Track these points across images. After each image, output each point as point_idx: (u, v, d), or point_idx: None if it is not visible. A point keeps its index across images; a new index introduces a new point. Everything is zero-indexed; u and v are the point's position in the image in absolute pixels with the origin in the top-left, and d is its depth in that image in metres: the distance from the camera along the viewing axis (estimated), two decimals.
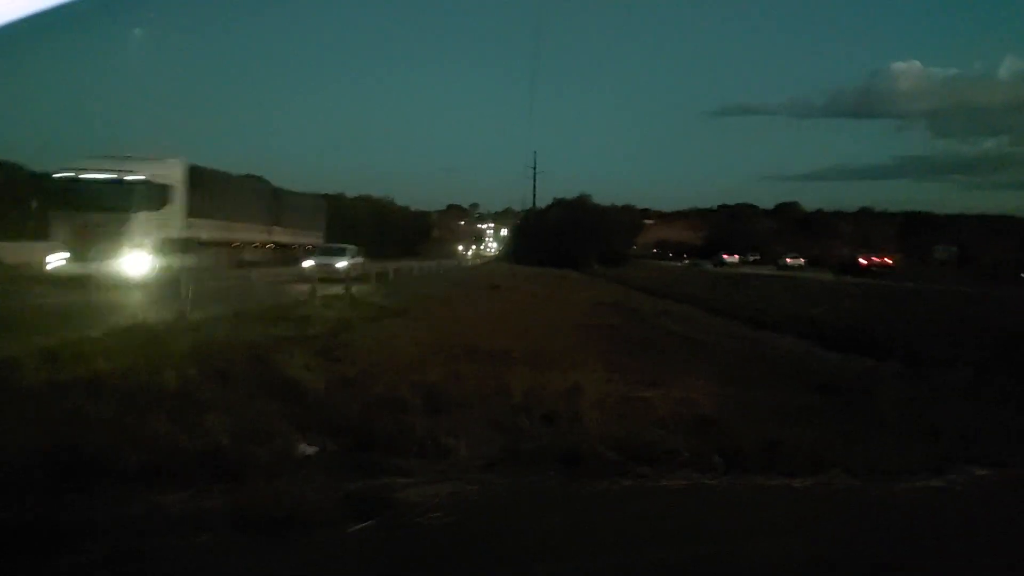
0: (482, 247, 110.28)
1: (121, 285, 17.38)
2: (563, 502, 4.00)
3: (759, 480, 4.41)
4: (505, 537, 3.44)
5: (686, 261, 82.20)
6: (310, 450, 4.51)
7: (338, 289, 17.15)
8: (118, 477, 3.73)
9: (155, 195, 20.95)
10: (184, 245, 22.37)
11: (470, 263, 65.05)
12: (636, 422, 5.55)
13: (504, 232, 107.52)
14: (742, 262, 72.27)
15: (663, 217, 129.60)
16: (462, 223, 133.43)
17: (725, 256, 72.90)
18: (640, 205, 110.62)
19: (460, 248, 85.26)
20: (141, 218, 20.21)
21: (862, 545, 3.35)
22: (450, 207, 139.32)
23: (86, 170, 20.35)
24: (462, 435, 4.88)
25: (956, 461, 4.80)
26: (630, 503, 4.05)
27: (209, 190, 25.59)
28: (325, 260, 25.46)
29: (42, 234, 21.12)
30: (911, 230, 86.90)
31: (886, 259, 54.31)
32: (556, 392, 6.56)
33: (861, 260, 52.59)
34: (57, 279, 17.74)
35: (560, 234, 64.37)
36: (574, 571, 2.92)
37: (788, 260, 64.21)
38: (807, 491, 4.23)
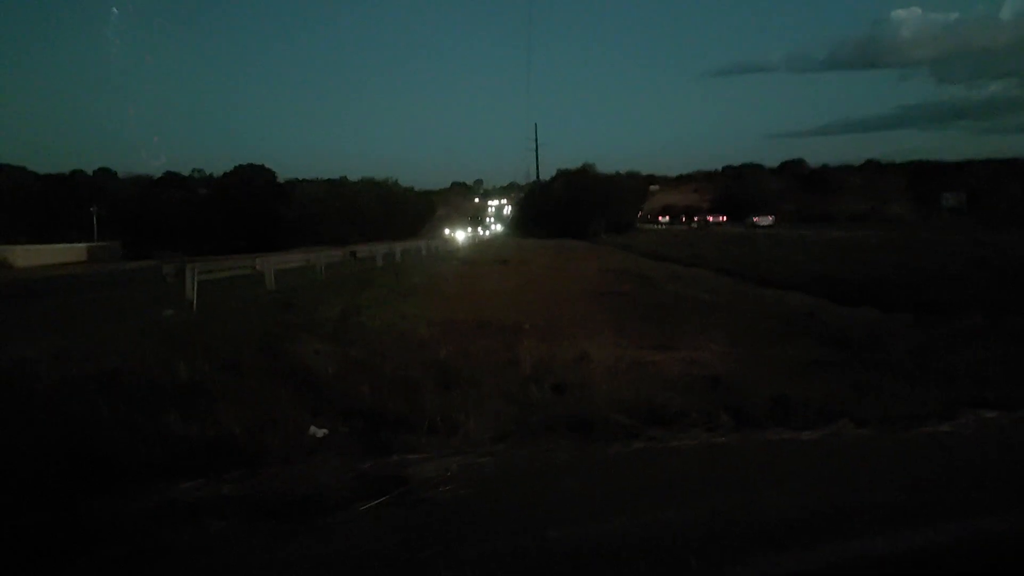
0: (478, 228, 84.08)
1: None
2: (575, 468, 4.01)
3: (768, 436, 4.42)
4: (518, 505, 3.46)
5: (693, 225, 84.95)
6: (320, 433, 4.54)
7: None
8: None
9: None
10: None
11: (459, 247, 48.01)
12: (646, 386, 5.57)
13: (506, 212, 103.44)
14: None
15: (669, 182, 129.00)
16: (477, 200, 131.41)
17: (660, 218, 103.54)
18: (645, 171, 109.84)
19: (447, 231, 64.43)
20: None
21: (873, 492, 3.36)
22: (454, 185, 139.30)
23: None
24: (473, 410, 4.89)
25: (965, 405, 4.79)
26: (641, 465, 4.06)
27: None
28: None
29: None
30: (919, 179, 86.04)
31: (722, 218, 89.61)
32: (566, 361, 6.58)
33: (708, 218, 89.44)
34: None
35: (565, 205, 64.17)
36: (589, 535, 2.93)
37: (708, 219, 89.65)
38: (816, 443, 4.23)
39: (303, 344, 7.47)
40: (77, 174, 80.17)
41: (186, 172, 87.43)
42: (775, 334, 8.30)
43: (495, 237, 70.88)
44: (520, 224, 72.52)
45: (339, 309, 10.93)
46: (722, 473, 3.90)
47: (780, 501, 3.25)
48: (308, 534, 3.07)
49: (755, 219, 73.63)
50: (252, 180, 73.90)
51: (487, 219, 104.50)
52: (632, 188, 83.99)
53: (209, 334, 8.32)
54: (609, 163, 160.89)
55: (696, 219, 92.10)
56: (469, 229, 72.81)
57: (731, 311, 11.07)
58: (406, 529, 3.12)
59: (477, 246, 49.92)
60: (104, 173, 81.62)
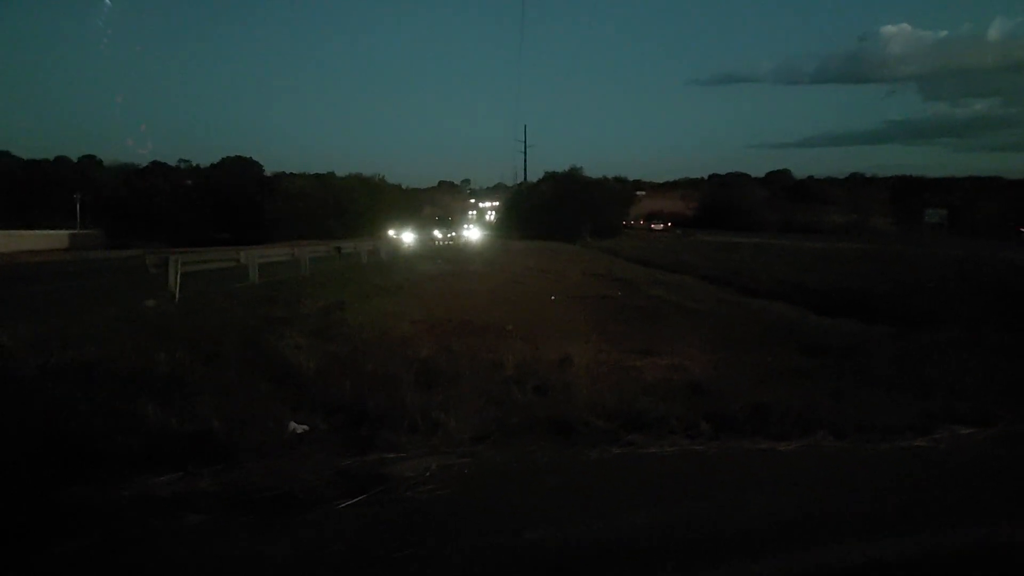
0: (448, 230, 62.76)
1: None
2: (554, 471, 4.02)
3: (747, 444, 4.45)
4: (497, 507, 3.47)
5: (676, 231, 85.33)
6: (300, 429, 4.51)
7: None
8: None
9: None
10: None
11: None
12: (627, 390, 5.58)
13: (489, 216, 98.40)
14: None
15: (655, 188, 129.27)
16: (473, 199, 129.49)
17: (640, 223, 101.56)
18: (632, 177, 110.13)
19: (392, 232, 47.38)
20: None
21: (849, 504, 3.40)
22: (441, 183, 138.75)
23: None
24: (454, 409, 4.87)
25: (941, 419, 4.85)
26: (620, 470, 4.08)
27: None
28: None
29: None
30: (902, 194, 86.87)
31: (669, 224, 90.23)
32: (548, 364, 6.58)
33: (652, 225, 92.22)
34: None
35: (552, 207, 64.15)
36: (566, 537, 2.94)
37: (652, 226, 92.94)
38: (794, 454, 4.27)
39: (285, 339, 7.43)
40: (61, 160, 79.22)
41: (172, 162, 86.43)
42: (756, 342, 8.37)
43: (466, 244, 49.25)
44: (506, 225, 72.28)
45: (322, 304, 10.86)
46: (700, 480, 3.92)
47: (757, 510, 3.28)
48: (286, 530, 3.06)
49: (652, 224, 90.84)
50: (239, 172, 73.46)
51: (464, 222, 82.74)
52: (619, 193, 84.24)
53: (190, 326, 8.25)
54: (597, 167, 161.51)
55: (660, 225, 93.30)
56: (436, 232, 57.94)
57: (713, 318, 11.14)
58: (385, 527, 3.11)
59: (447, 250, 38.90)
60: (89, 160, 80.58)
